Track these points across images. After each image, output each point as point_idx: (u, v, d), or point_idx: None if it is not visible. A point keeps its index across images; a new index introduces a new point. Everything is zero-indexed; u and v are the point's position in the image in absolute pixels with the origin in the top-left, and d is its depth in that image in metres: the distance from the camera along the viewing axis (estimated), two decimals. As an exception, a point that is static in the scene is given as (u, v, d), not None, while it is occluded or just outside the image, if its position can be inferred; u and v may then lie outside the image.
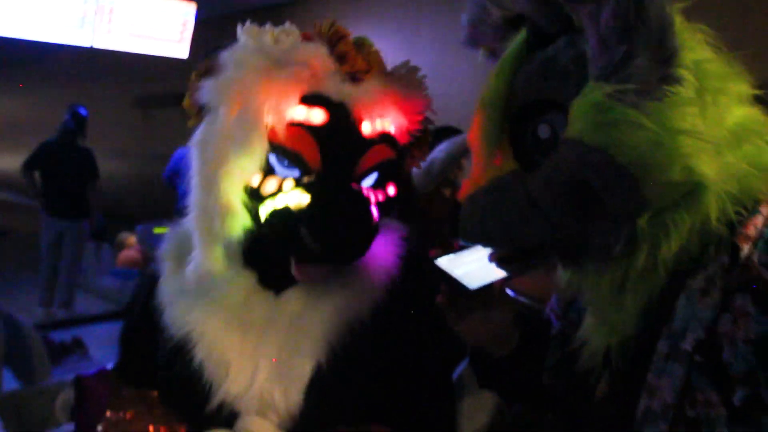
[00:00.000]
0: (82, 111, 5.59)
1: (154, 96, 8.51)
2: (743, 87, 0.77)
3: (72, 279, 5.77)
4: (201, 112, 1.03)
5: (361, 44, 1.07)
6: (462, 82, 3.51)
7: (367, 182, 1.05)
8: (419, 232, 1.17)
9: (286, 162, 0.99)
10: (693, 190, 0.71)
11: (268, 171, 0.99)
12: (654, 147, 0.68)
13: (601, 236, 0.75)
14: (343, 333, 1.03)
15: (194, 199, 1.03)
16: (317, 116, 0.99)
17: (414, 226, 1.17)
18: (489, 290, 0.95)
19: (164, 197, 6.56)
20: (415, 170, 3.35)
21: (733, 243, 0.72)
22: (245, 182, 0.98)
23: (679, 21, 0.73)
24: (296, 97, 0.98)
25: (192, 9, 5.66)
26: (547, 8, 0.76)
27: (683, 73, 0.70)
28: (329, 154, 0.99)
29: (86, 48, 5.52)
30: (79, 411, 1.19)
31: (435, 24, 4.91)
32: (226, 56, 1.00)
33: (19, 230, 8.77)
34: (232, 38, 1.04)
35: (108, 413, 1.11)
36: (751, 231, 0.72)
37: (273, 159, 0.99)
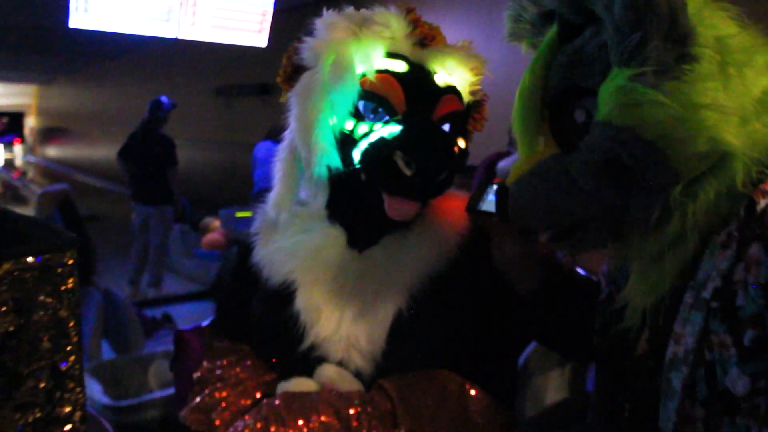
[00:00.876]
0: (163, 99, 5.86)
1: (235, 85, 8.76)
2: None
3: (159, 261, 6.11)
4: (294, 79, 1.21)
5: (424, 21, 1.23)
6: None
7: None
8: None
9: (373, 108, 1.15)
10: (721, 159, 0.77)
11: (359, 117, 1.15)
12: (676, 122, 0.74)
13: (639, 208, 0.82)
14: (421, 283, 1.16)
15: (289, 144, 1.22)
16: (399, 65, 1.16)
17: None
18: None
19: (245, 183, 6.83)
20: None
21: (750, 198, 0.78)
22: (338, 127, 1.15)
23: (699, 1, 0.80)
24: (381, 51, 1.16)
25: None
26: (572, 2, 0.84)
27: (701, 50, 0.76)
28: (412, 97, 1.16)
29: (171, 40, 5.80)
30: (178, 361, 1.37)
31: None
32: (318, 22, 1.18)
33: (110, 215, 9.30)
34: (311, 26, 1.20)
35: (204, 362, 1.27)
36: None
37: (362, 106, 1.15)
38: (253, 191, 5.75)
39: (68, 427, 0.50)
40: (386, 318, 1.15)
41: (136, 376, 2.98)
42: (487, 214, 1.08)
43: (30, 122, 22.49)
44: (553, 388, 1.92)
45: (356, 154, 1.14)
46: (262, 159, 5.80)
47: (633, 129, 0.76)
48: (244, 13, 5.83)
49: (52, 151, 19.87)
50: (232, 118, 9.16)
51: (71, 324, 0.50)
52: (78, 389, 0.51)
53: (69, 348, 0.49)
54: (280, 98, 1.25)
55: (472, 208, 1.10)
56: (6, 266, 0.46)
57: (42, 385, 0.48)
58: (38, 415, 0.49)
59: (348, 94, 1.13)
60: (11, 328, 0.46)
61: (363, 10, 1.21)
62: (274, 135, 6.30)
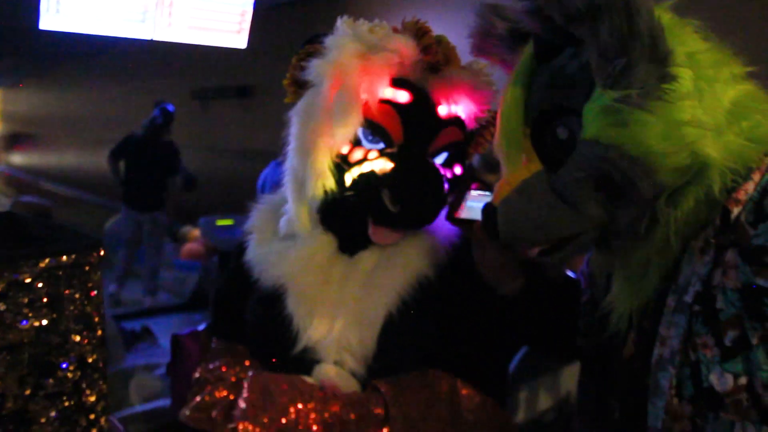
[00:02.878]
0: (170, 107, 5.96)
1: (212, 88, 8.79)
2: (736, 68, 0.90)
3: (156, 268, 6.17)
4: (299, 89, 1.27)
5: (440, 40, 1.29)
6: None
7: (439, 160, 1.27)
8: None
9: (371, 135, 1.22)
10: (700, 169, 0.84)
11: (356, 142, 1.22)
12: (662, 139, 0.81)
13: (627, 220, 0.89)
14: (410, 287, 1.24)
15: (290, 163, 1.27)
16: (403, 96, 1.22)
17: None
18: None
19: (224, 190, 6.85)
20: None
21: (724, 207, 0.87)
22: (335, 150, 1.22)
23: (668, 18, 0.87)
24: (386, 79, 1.21)
25: (250, -1, 5.90)
26: (549, 25, 0.89)
27: (678, 70, 0.83)
28: (410, 130, 1.22)
29: (146, 41, 5.84)
30: (175, 364, 1.44)
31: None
32: (329, 41, 1.23)
33: (81, 225, 9.27)
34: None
35: (202, 364, 1.34)
36: (742, 195, 0.86)
37: (360, 132, 1.22)
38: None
39: (93, 416, 0.57)
40: (377, 321, 1.22)
41: (117, 391, 3.02)
42: (467, 222, 1.17)
43: (-7, 128, 22.33)
44: (543, 395, 1.99)
45: (348, 178, 1.22)
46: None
47: (620, 147, 0.83)
48: (222, 14, 5.85)
49: (17, 159, 19.70)
50: (209, 122, 9.17)
51: (96, 319, 0.57)
52: (101, 381, 0.58)
53: (94, 341, 0.56)
54: (285, 99, 1.31)
55: (452, 216, 1.19)
56: (44, 263, 0.53)
57: (70, 375, 0.55)
58: (66, 404, 0.56)
59: (349, 124, 1.20)
60: (45, 322, 0.53)
61: (377, 29, 1.26)
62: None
